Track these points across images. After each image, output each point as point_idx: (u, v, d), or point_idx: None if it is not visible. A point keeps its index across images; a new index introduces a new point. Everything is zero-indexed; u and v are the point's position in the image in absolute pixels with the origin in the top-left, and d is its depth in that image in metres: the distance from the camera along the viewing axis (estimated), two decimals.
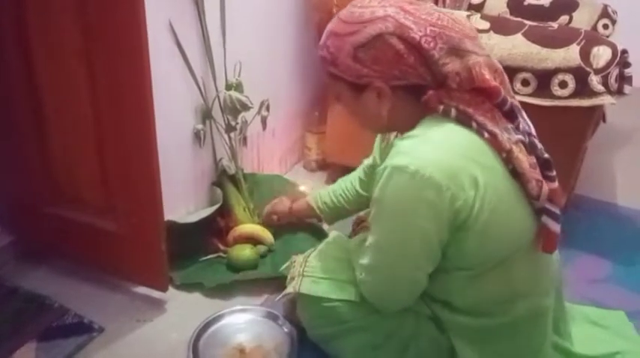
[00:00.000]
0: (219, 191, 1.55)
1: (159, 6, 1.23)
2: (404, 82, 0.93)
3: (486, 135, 0.92)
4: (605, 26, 1.78)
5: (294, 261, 1.20)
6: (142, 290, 1.39)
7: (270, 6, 1.68)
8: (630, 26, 1.92)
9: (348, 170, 1.82)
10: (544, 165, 0.96)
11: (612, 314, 1.29)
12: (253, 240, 1.50)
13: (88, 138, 1.23)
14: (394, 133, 1.14)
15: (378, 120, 0.98)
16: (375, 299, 1.05)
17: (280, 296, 1.19)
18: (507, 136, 0.93)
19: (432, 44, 0.90)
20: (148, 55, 1.08)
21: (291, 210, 1.50)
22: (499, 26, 1.47)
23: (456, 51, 0.92)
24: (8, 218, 1.44)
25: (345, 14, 0.96)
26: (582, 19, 1.82)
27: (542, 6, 1.88)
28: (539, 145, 0.98)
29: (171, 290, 1.36)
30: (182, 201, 1.50)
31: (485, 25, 1.48)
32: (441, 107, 0.93)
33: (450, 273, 1.00)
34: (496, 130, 0.93)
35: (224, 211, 1.54)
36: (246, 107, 1.41)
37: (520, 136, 0.95)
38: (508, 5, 1.91)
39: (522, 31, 1.45)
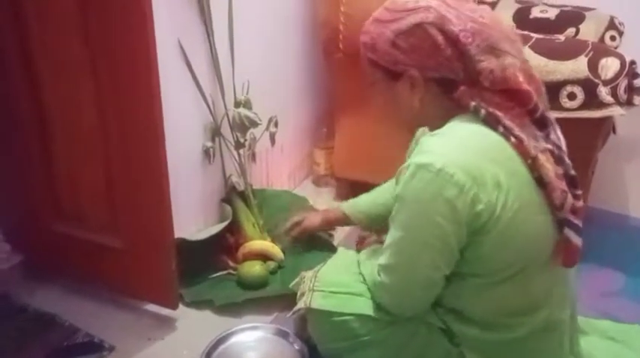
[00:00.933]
0: (228, 207, 1.55)
1: (168, 25, 1.25)
2: (437, 74, 0.94)
3: (513, 139, 0.92)
4: (613, 38, 1.77)
5: (304, 277, 1.19)
6: (152, 307, 1.38)
7: (277, 24, 1.70)
8: (637, 37, 1.91)
9: (357, 185, 1.83)
10: (571, 182, 0.95)
11: (628, 328, 1.27)
12: (263, 257, 1.50)
13: (95, 156, 1.24)
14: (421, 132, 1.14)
15: (409, 111, 1.00)
16: (391, 301, 1.03)
17: (291, 313, 1.18)
18: (534, 144, 0.93)
19: (469, 39, 0.91)
20: (158, 74, 1.10)
21: (327, 221, 1.50)
22: None
23: (493, 50, 0.92)
24: (17, 236, 1.45)
25: (390, 3, 0.99)
26: (589, 31, 1.81)
27: (548, 19, 1.88)
28: (568, 161, 0.97)
29: (181, 307, 1.35)
30: (191, 218, 1.50)
31: None
32: (473, 104, 0.93)
33: (466, 280, 0.99)
34: (523, 136, 0.92)
35: (233, 228, 1.54)
36: (254, 124, 1.42)
37: (549, 146, 0.95)
38: (514, 19, 1.91)
39: (529, 44, 1.45)
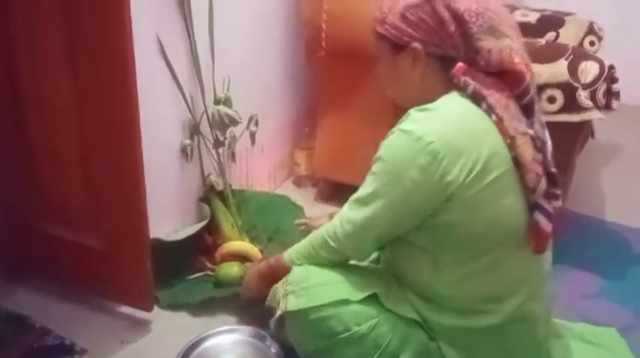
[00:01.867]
0: (206, 207, 1.52)
1: (146, 19, 1.21)
2: (439, 50, 1.00)
3: (494, 117, 0.96)
4: (592, 43, 1.79)
5: (275, 288, 1.15)
6: (127, 310, 1.35)
7: (259, 21, 1.68)
8: (616, 43, 1.94)
9: (338, 186, 1.82)
10: (550, 179, 0.99)
11: (605, 331, 1.28)
12: (241, 258, 1.47)
13: (72, 152, 1.21)
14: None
15: (409, 85, 1.05)
16: (346, 246, 1.08)
17: (270, 323, 1.15)
18: (516, 126, 0.96)
19: (473, 19, 0.97)
20: (134, 68, 1.07)
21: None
22: None
23: (494, 31, 0.97)
24: None
25: None
26: (569, 35, 1.83)
27: (529, 23, 1.89)
28: (550, 158, 1.01)
29: (156, 309, 1.32)
30: (168, 218, 1.47)
31: None
32: (463, 79, 0.97)
33: (440, 260, 1.02)
34: (504, 115, 0.96)
35: (211, 228, 1.51)
36: (234, 122, 1.39)
37: (530, 131, 0.98)
38: None
39: None
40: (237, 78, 1.49)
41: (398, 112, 1.64)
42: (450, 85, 0.99)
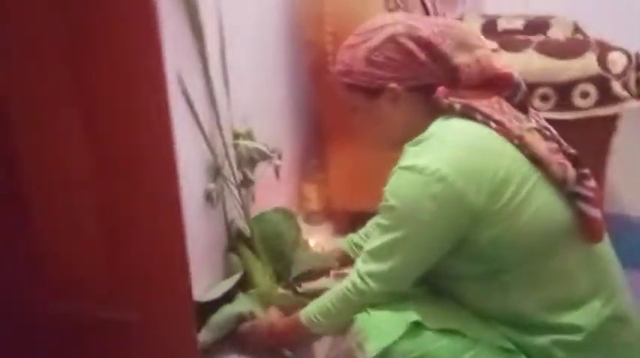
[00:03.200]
0: (235, 258, 1.36)
1: (171, 57, 1.06)
2: (417, 82, 0.97)
3: (493, 125, 0.93)
4: None
5: (345, 350, 1.03)
6: None
7: (263, 54, 1.57)
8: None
9: (356, 216, 1.70)
10: (573, 161, 0.94)
11: None
12: None
13: (89, 210, 1.02)
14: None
15: (393, 128, 1.02)
16: (372, 300, 1.00)
17: None
18: (518, 124, 0.94)
19: (439, 40, 0.95)
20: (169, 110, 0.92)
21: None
22: (507, 44, 1.44)
23: (464, 45, 0.96)
24: None
25: (357, 29, 1.02)
26: (558, 37, 1.83)
27: (516, 29, 1.89)
28: (563, 141, 0.97)
29: None
30: (197, 274, 1.29)
31: (493, 44, 1.44)
32: (446, 102, 0.95)
33: (503, 282, 0.95)
34: (503, 119, 0.93)
35: (243, 280, 1.35)
36: (265, 156, 1.26)
37: (533, 124, 0.96)
38: (482, 32, 1.91)
39: (532, 46, 1.41)
40: (250, 112, 1.36)
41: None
42: (435, 112, 0.97)
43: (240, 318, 1.21)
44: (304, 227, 1.82)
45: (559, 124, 1.32)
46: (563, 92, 1.38)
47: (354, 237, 1.36)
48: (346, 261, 1.34)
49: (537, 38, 1.46)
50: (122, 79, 0.90)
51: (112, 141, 0.95)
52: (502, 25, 1.92)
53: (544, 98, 1.39)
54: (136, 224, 1.00)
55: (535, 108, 1.38)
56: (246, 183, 1.30)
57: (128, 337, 1.09)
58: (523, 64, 1.38)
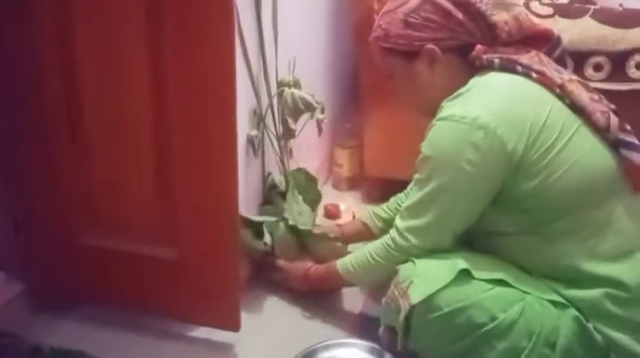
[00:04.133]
0: (271, 208, 1.33)
1: None
2: (455, 42, 0.97)
3: (534, 75, 0.93)
4: None
5: (387, 298, 1.01)
6: (202, 334, 1.13)
7: (312, 9, 1.53)
8: None
9: (388, 184, 1.66)
10: (615, 113, 0.94)
11: None
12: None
13: (143, 148, 1.00)
14: None
15: (431, 91, 1.00)
16: (414, 255, 0.99)
17: (399, 337, 0.97)
18: (559, 75, 0.94)
19: None
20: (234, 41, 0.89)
21: (344, 235, 1.34)
22: (563, 11, 1.39)
23: (501, 4, 0.96)
24: (18, 262, 1.15)
25: None
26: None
27: None
28: (604, 98, 0.97)
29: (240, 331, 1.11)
30: None
31: (549, 10, 1.40)
32: (485, 58, 0.95)
33: (548, 235, 0.94)
34: (544, 69, 0.94)
35: None
36: (310, 107, 1.22)
37: (574, 76, 0.96)
38: None
39: (589, 14, 1.37)
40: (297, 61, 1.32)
41: None
42: (473, 73, 0.97)
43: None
44: (333, 193, 1.80)
45: (610, 95, 1.30)
46: (617, 62, 1.34)
47: (375, 208, 1.34)
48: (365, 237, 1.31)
49: (594, 6, 1.41)
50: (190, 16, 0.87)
51: (176, 80, 0.93)
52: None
53: (597, 67, 1.35)
54: (189, 147, 0.97)
55: (587, 77, 1.36)
56: (287, 133, 1.26)
57: (161, 279, 1.07)
58: (579, 31, 1.34)
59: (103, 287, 1.11)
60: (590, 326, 0.92)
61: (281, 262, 1.25)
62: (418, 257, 0.98)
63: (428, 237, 0.98)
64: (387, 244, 1.02)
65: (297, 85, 1.25)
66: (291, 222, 1.23)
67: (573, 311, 0.93)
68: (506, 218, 0.97)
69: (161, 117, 0.96)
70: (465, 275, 0.93)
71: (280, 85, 1.25)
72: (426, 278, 0.94)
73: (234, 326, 1.07)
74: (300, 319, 1.20)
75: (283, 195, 1.36)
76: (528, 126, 0.89)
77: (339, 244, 1.27)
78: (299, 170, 1.40)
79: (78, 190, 1.05)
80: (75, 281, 1.13)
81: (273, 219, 1.25)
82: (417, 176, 0.98)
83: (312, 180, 1.41)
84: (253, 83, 1.21)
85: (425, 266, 0.96)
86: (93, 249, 1.08)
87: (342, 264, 1.12)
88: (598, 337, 0.92)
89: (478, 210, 0.96)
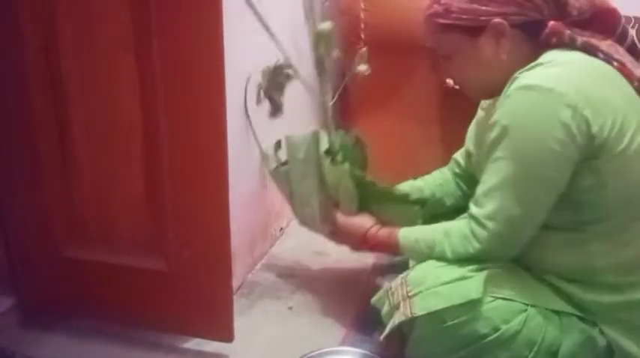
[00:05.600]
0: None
1: None
2: (522, 17, 0.91)
3: (615, 63, 0.90)
4: None
5: (389, 289, 0.99)
6: (193, 344, 1.12)
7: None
8: None
9: None
10: None
11: None
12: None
13: (132, 157, 0.99)
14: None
15: (495, 70, 0.94)
16: (495, 247, 0.93)
17: (385, 332, 0.96)
18: (636, 67, 0.92)
19: None
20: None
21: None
22: None
23: None
24: (9, 274, 1.13)
25: None
26: None
27: None
28: None
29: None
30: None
31: None
32: (568, 33, 0.89)
33: (588, 233, 0.91)
34: (624, 59, 0.91)
35: None
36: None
37: None
38: None
39: None
40: None
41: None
42: (540, 51, 0.91)
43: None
44: None
45: None
46: None
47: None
48: None
49: None
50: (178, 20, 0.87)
51: (165, 87, 0.92)
52: None
53: None
54: (180, 154, 0.97)
55: None
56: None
57: (152, 290, 1.06)
58: None
59: (94, 300, 1.10)
60: (596, 333, 0.92)
61: (339, 216, 1.16)
62: (499, 255, 0.93)
63: (509, 225, 0.90)
64: (466, 230, 0.93)
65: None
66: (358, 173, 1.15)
67: (578, 320, 0.93)
68: (555, 210, 0.91)
69: (151, 127, 0.96)
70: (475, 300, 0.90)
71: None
72: (435, 293, 0.91)
73: (228, 337, 1.06)
74: (294, 328, 1.20)
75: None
76: (612, 114, 0.84)
77: (417, 208, 1.14)
78: (346, 133, 1.29)
79: (66, 203, 1.04)
80: (65, 294, 1.12)
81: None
82: (492, 155, 0.89)
83: (360, 144, 1.31)
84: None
85: (437, 280, 0.92)
86: (82, 262, 1.07)
87: (404, 236, 1.03)
88: (602, 345, 0.92)
89: (556, 198, 0.89)
